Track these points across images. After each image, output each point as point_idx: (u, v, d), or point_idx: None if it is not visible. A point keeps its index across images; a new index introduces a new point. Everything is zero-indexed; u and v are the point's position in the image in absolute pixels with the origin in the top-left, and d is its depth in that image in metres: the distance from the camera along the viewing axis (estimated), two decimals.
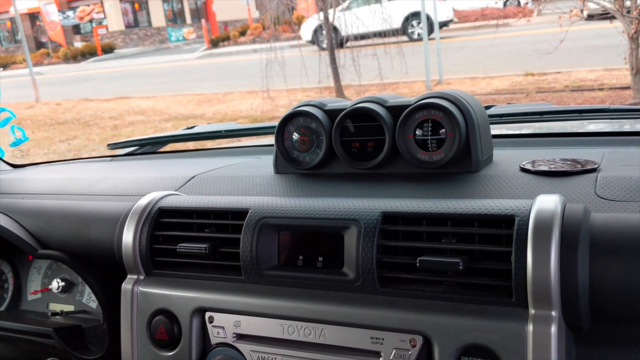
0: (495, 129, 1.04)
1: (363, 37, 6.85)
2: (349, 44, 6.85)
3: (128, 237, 0.93)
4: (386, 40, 6.44)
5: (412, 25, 7.80)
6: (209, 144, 2.96)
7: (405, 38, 7.08)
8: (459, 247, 0.74)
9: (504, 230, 0.72)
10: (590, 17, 6.26)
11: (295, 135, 1.05)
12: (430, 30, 8.66)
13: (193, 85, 10.20)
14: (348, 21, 6.78)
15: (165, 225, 0.93)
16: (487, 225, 0.74)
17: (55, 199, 1.14)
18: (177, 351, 0.88)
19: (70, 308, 1.21)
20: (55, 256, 1.03)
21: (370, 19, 6.45)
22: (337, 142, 0.99)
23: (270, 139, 1.60)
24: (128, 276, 0.94)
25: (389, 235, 0.78)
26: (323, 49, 10.86)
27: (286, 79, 6.78)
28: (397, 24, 6.13)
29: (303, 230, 0.83)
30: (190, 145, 1.84)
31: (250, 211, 0.87)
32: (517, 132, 1.34)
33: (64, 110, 9.64)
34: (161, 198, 0.96)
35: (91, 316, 1.18)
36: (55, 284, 1.22)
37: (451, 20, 7.66)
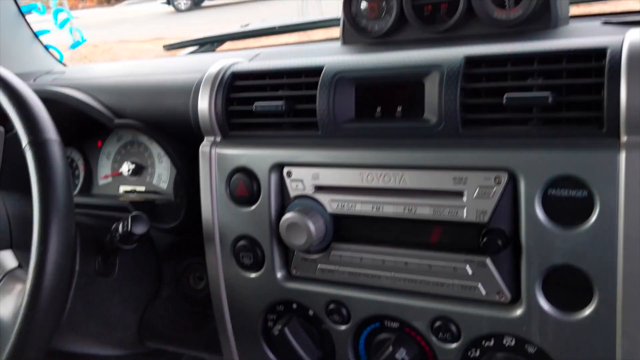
0: None
1: None
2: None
3: (204, 100, 0.94)
4: None
5: None
6: None
7: None
8: (546, 83, 0.72)
9: (594, 63, 0.71)
10: None
11: (364, 3, 1.03)
12: None
13: (232, 24, 10.09)
14: None
15: (239, 87, 0.94)
16: (576, 60, 0.72)
17: (125, 77, 1.16)
18: (256, 206, 0.91)
19: (141, 189, 1.26)
20: (132, 125, 1.06)
21: None
22: (408, 6, 0.98)
23: (325, 32, 1.58)
24: (205, 139, 0.96)
25: (472, 78, 0.77)
26: (180, 10, 10.74)
27: None
28: None
29: (381, 81, 0.83)
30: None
31: (325, 67, 0.87)
32: None
33: (102, 52, 9.70)
34: (233, 64, 0.97)
35: (163, 196, 1.22)
36: (126, 167, 1.26)
37: None
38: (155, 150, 1.23)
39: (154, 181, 1.24)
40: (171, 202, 1.20)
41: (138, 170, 1.26)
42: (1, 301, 0.88)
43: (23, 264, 0.94)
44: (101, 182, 1.32)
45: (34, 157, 0.81)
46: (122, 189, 1.28)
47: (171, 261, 1.18)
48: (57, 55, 1.61)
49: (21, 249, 0.97)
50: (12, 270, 0.92)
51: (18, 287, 0.88)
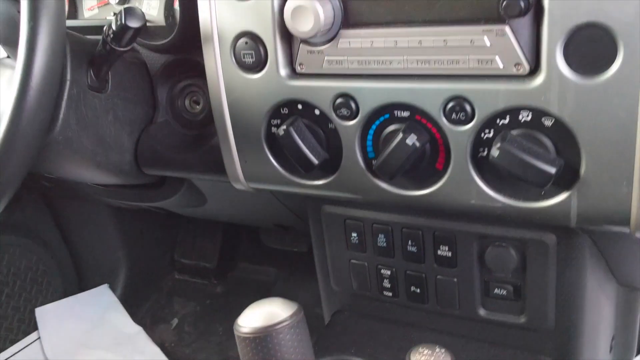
0: None
1: None
2: None
3: None
4: None
5: None
6: None
7: None
8: None
9: None
10: None
11: None
12: None
13: None
14: None
15: None
16: None
17: None
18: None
19: None
20: None
21: None
22: None
23: None
24: None
25: None
26: None
27: None
28: None
29: None
30: None
31: None
32: None
33: None
34: None
35: (153, 24, 1.15)
36: None
37: None
38: None
39: (144, 8, 1.17)
40: (163, 27, 1.13)
41: None
42: None
43: (12, 56, 0.88)
44: (87, 13, 1.24)
45: None
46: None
47: (166, 84, 1.13)
48: None
49: (9, 45, 0.91)
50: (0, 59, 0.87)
51: (7, 73, 0.83)
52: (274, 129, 0.93)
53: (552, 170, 0.73)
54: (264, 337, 0.68)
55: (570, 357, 0.98)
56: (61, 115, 0.96)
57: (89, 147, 1.02)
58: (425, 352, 0.80)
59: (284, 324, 0.69)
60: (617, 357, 1.12)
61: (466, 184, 0.82)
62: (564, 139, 0.75)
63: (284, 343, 0.69)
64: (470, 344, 1.03)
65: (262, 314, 0.70)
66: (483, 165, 0.81)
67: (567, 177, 0.76)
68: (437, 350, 0.80)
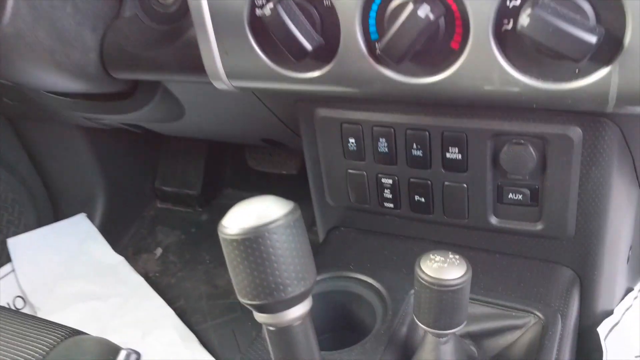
0: None
1: None
2: None
3: None
4: None
5: None
6: None
7: None
8: None
9: None
10: None
11: None
12: None
13: None
14: None
15: None
16: None
17: None
18: None
19: None
20: None
21: None
22: None
23: None
24: None
25: None
26: None
27: None
28: None
29: None
30: None
31: None
32: None
33: None
34: None
35: None
36: None
37: None
38: None
39: None
40: None
41: None
42: None
43: None
44: None
45: None
46: None
47: None
48: None
49: None
50: None
51: None
52: (258, 10, 0.80)
53: (593, 39, 0.61)
54: (254, 238, 0.57)
55: (590, 267, 0.90)
56: (10, 3, 0.82)
57: (45, 42, 0.89)
58: (438, 258, 0.70)
59: (278, 223, 0.58)
60: (633, 267, 1.04)
61: (487, 65, 0.70)
62: (605, 2, 0.63)
63: (279, 245, 0.58)
64: (481, 255, 0.94)
65: (251, 213, 0.59)
66: (507, 42, 0.69)
67: (608, 49, 0.64)
68: (451, 256, 0.70)
